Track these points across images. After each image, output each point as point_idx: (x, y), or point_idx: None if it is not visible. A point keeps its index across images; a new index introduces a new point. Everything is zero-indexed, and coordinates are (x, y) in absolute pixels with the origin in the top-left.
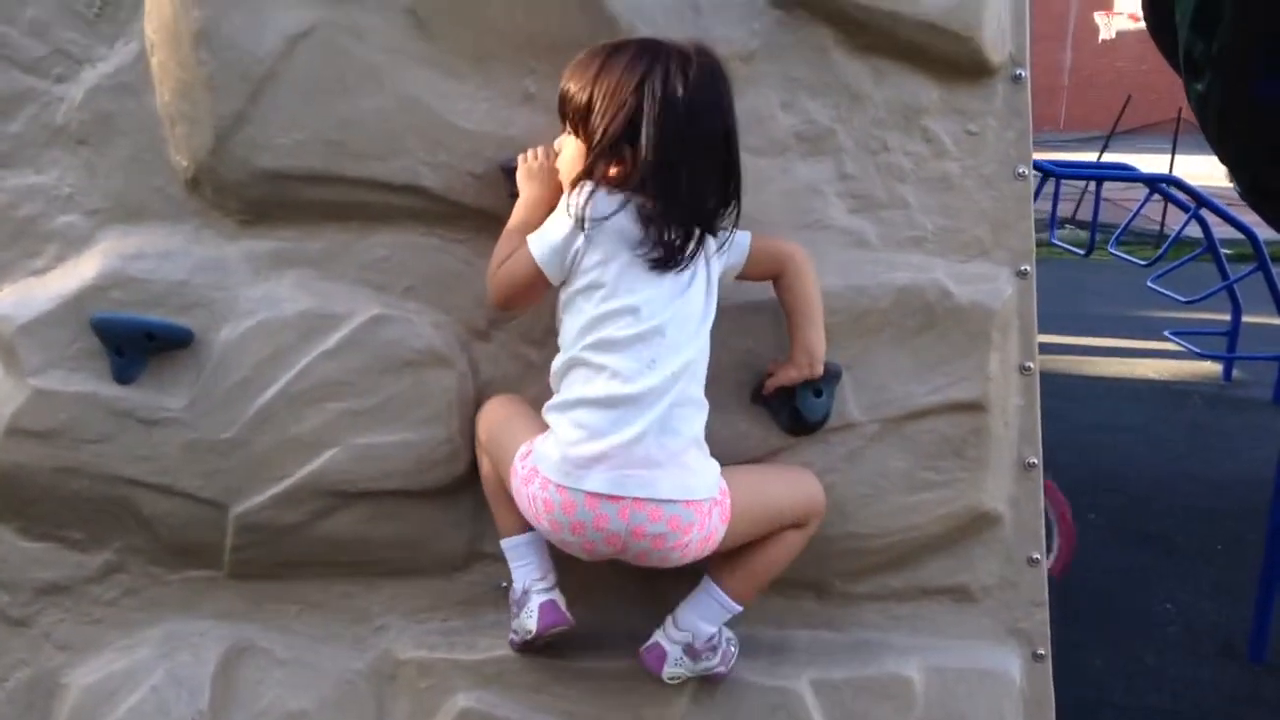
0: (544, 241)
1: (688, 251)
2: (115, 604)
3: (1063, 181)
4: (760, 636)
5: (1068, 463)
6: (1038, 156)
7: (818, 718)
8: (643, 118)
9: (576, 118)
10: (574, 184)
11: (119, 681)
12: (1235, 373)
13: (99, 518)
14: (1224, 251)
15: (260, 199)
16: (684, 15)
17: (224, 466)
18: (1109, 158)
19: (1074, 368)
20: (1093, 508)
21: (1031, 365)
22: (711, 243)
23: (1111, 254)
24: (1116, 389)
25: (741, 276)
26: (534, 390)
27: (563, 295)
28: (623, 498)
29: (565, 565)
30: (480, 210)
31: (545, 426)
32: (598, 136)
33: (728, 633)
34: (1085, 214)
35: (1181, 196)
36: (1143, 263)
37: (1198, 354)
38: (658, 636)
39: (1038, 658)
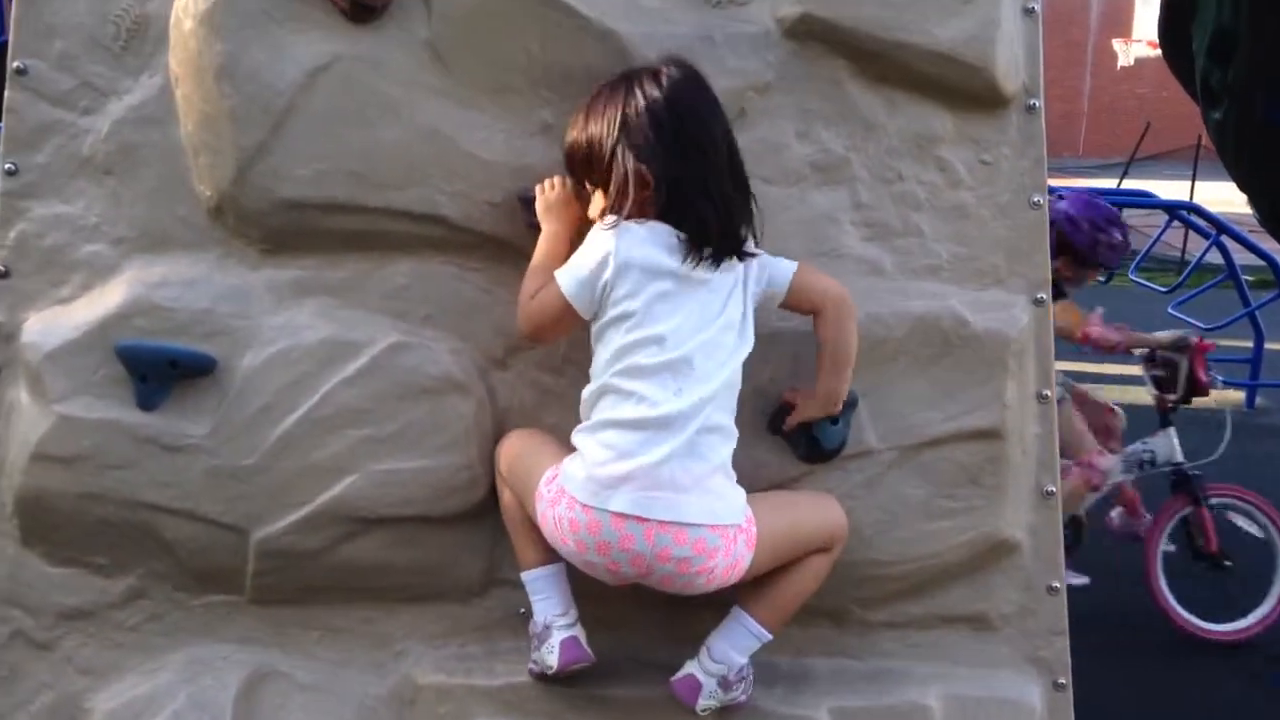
0: (572, 276)
1: (713, 257)
2: (138, 629)
3: None
4: (779, 665)
5: None
6: (1057, 183)
7: None
8: (635, 135)
9: (581, 167)
10: (600, 216)
11: (141, 706)
12: (1258, 400)
13: (122, 543)
14: (1245, 278)
15: (282, 228)
16: (698, 47)
17: (245, 492)
18: (1128, 184)
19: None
20: (1111, 533)
21: (1049, 393)
22: (746, 272)
23: (1132, 280)
24: (1138, 416)
25: (783, 306)
26: (552, 418)
27: (594, 328)
28: (648, 519)
29: (584, 592)
30: (498, 239)
31: (567, 454)
32: (601, 170)
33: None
34: None
35: (1202, 223)
36: (1164, 289)
37: (1220, 381)
38: (691, 668)
39: (1058, 687)
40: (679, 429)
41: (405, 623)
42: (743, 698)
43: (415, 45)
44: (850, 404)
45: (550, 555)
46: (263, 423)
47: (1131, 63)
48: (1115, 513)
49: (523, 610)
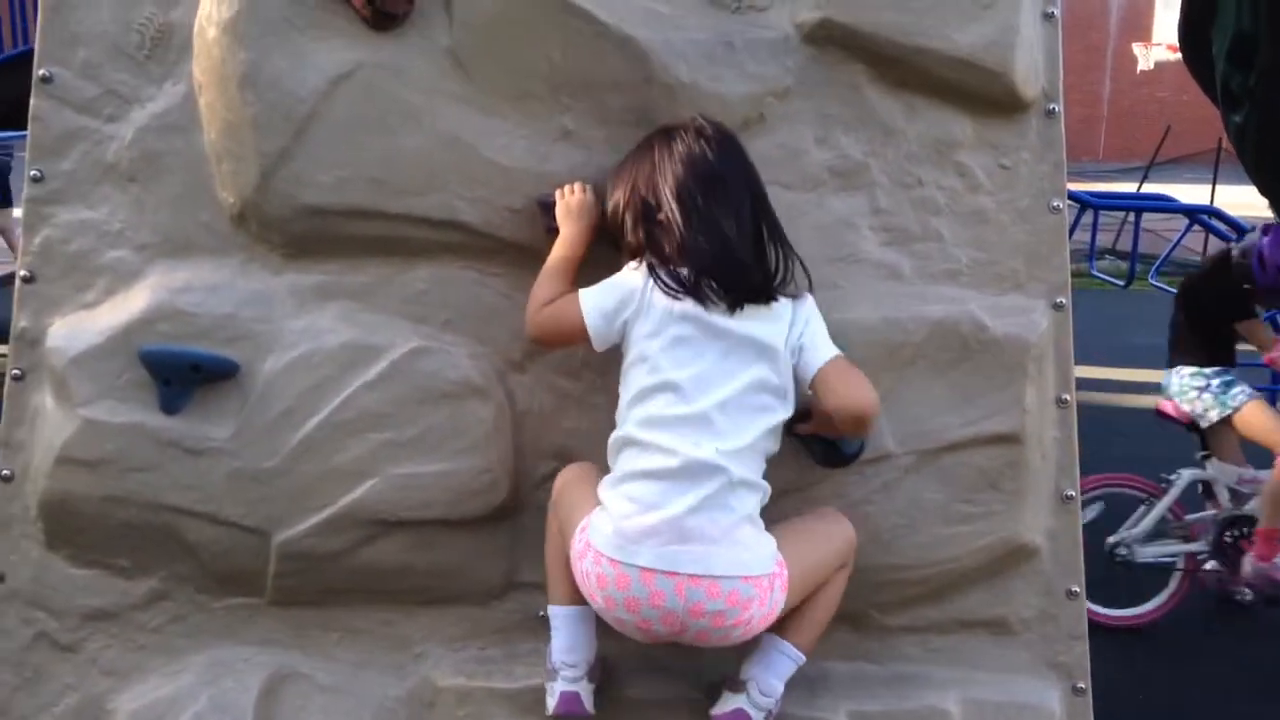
0: (596, 306)
1: (730, 303)
2: (160, 630)
3: (1102, 212)
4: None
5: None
6: (1076, 187)
7: None
8: (661, 184)
9: (620, 226)
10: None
11: (164, 708)
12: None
13: (145, 545)
14: None
15: (304, 234)
16: (717, 53)
17: (267, 495)
18: (1149, 188)
19: (1115, 400)
20: None
21: (1068, 398)
22: (788, 337)
23: (1152, 284)
24: (1159, 421)
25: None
26: (569, 421)
27: (623, 364)
28: (677, 573)
29: None
30: (517, 244)
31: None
32: (628, 222)
33: None
34: (1125, 244)
35: (1222, 227)
36: None
37: None
38: (739, 703)
39: (1078, 691)
40: (703, 480)
41: (425, 625)
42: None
43: (436, 53)
44: None
45: (579, 596)
46: (284, 426)
47: (1151, 66)
48: None
49: (541, 613)
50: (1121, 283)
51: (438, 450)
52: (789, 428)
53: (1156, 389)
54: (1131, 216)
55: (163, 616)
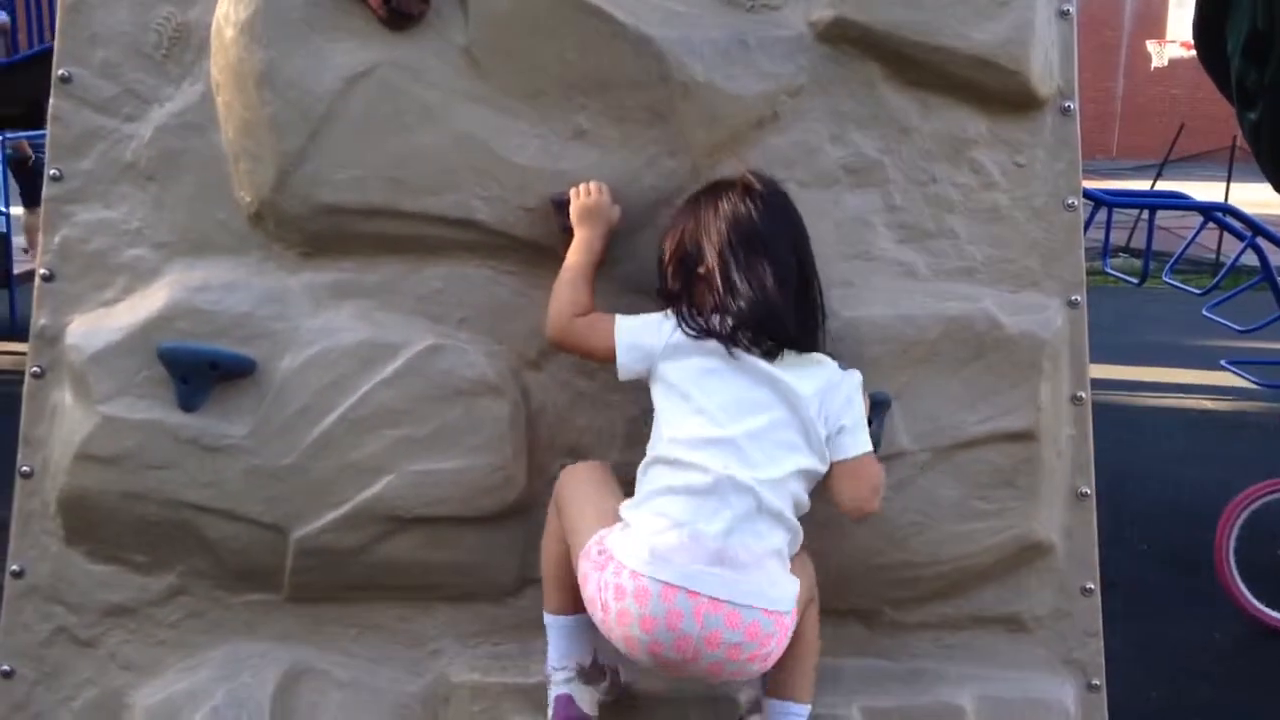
0: (631, 337)
1: (751, 345)
2: (178, 626)
3: (1116, 210)
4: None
5: (1125, 493)
6: (1090, 184)
7: None
8: (704, 240)
9: (664, 275)
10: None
11: (181, 702)
12: None
13: (163, 542)
14: None
15: (320, 233)
16: (732, 51)
17: (284, 492)
18: (1163, 186)
19: (1130, 398)
20: (1147, 539)
21: (1083, 395)
22: (820, 405)
23: (1166, 282)
24: (1173, 419)
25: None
26: (583, 419)
27: (652, 394)
28: (699, 594)
29: None
30: (532, 243)
31: (621, 499)
32: (669, 272)
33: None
34: (1139, 242)
35: (1237, 225)
36: (1198, 291)
37: (1256, 383)
38: None
39: (1092, 688)
40: (732, 499)
41: (440, 621)
42: None
43: (452, 52)
44: (882, 405)
45: (573, 605)
46: (301, 423)
47: (1165, 64)
48: None
49: None
50: (1135, 280)
51: (453, 447)
52: None
53: (1172, 385)
54: (1145, 214)
55: (181, 612)
